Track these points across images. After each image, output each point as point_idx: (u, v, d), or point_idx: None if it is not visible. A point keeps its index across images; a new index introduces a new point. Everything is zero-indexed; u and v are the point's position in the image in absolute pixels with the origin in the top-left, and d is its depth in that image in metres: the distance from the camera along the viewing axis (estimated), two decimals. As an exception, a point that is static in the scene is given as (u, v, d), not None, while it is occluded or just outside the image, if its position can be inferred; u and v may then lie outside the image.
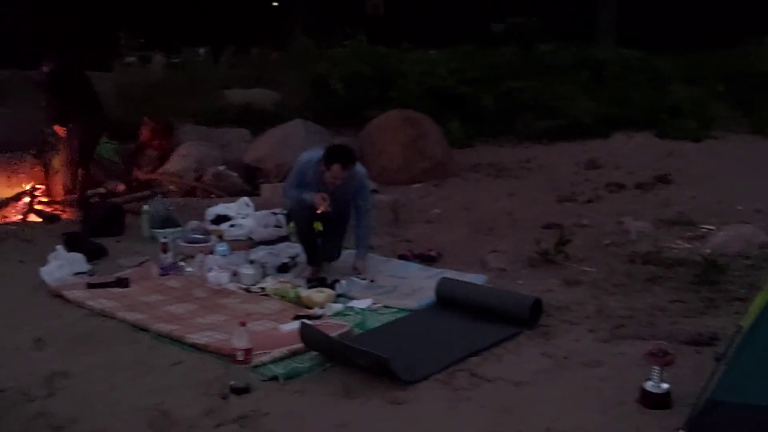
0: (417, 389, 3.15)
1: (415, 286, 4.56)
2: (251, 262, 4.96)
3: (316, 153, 4.83)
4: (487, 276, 4.73)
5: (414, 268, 4.95)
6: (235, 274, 4.78)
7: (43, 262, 4.90)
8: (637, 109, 10.13)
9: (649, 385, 2.97)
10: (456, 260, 5.17)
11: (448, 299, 4.14)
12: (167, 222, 5.94)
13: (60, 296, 4.41)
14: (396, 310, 4.17)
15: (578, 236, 5.53)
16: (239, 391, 3.14)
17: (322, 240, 4.89)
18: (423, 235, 5.89)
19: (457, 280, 4.37)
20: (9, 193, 7.25)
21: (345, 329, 3.75)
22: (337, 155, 4.65)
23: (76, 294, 4.40)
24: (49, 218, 6.67)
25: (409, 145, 8.51)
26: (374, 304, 4.26)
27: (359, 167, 4.90)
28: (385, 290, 4.50)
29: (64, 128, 6.94)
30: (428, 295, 4.27)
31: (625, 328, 3.83)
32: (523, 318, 3.79)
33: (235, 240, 5.68)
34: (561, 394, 3.11)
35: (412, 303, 4.21)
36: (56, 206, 7.01)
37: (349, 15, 15.24)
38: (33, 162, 7.55)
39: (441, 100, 10.13)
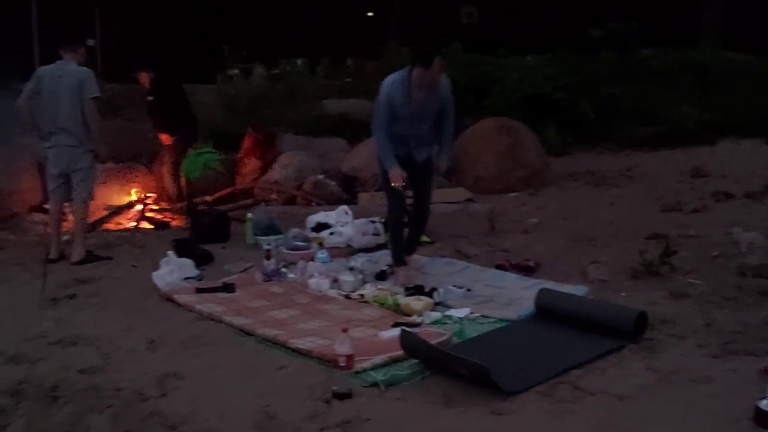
0: (518, 400, 3.11)
1: (513, 296, 4.52)
2: (351, 269, 5.05)
3: (397, 73, 4.92)
4: (589, 287, 4.63)
5: (512, 278, 4.90)
6: (335, 280, 4.88)
7: (155, 267, 5.15)
8: (744, 115, 9.70)
9: (764, 404, 2.83)
10: (555, 271, 5.09)
11: (549, 310, 4.08)
12: (270, 229, 6.13)
13: (171, 300, 4.60)
14: (494, 320, 4.15)
15: (684, 247, 5.34)
16: (342, 396, 3.19)
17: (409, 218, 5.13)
18: (520, 245, 5.84)
19: (558, 291, 4.30)
20: (123, 201, 7.69)
21: (444, 338, 3.75)
22: (434, 47, 4.85)
23: (186, 298, 4.58)
24: (159, 225, 7.02)
25: (505, 154, 8.46)
26: (472, 313, 4.25)
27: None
28: (483, 300, 4.49)
29: (169, 136, 7.32)
30: (527, 306, 4.22)
31: (737, 343, 3.66)
32: (627, 331, 3.69)
33: (334, 247, 5.81)
34: (668, 411, 3.01)
35: (511, 313, 4.18)
36: (166, 214, 7.38)
37: (443, 23, 15.30)
38: (145, 171, 7.97)
39: (537, 107, 10.01)
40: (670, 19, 14.18)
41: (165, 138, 7.61)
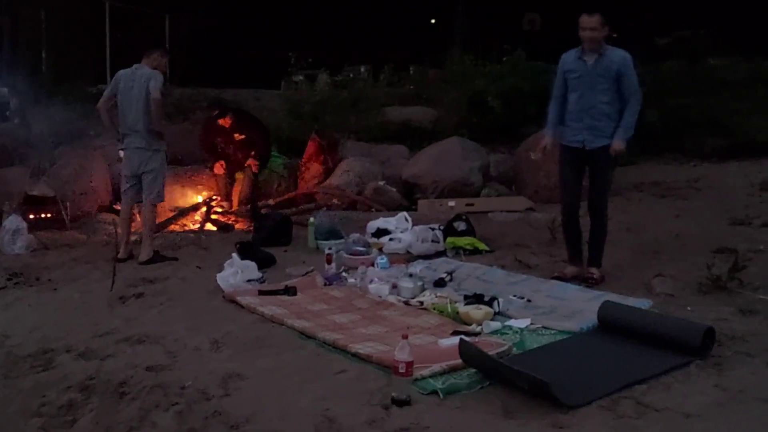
0: (579, 414, 3.06)
1: (575, 308, 4.44)
2: (410, 275, 5.06)
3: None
4: (653, 301, 4.51)
5: (573, 290, 4.81)
6: (394, 286, 4.88)
7: (219, 268, 5.27)
8: (819, 127, 9.32)
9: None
10: (618, 283, 4.99)
11: (612, 323, 4.00)
12: (331, 234, 6.20)
13: (234, 301, 4.69)
14: (555, 331, 4.08)
15: (754, 262, 5.14)
16: (401, 403, 3.18)
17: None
18: (582, 256, 5.74)
19: (622, 304, 4.20)
20: (188, 203, 7.89)
21: (503, 348, 3.72)
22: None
23: (249, 300, 4.66)
24: (223, 227, 7.18)
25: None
26: (532, 324, 4.19)
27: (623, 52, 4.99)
28: (544, 311, 4.43)
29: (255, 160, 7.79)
30: (589, 318, 4.14)
31: (809, 363, 3.53)
32: (694, 347, 3.59)
33: (393, 253, 5.83)
34: (736, 430, 2.92)
35: (573, 325, 4.11)
36: (230, 216, 7.55)
37: (506, 31, 15.19)
38: (209, 174, 8.17)
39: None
40: (742, 27, 13.73)
41: (253, 164, 7.90)
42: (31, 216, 6.95)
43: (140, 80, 5.85)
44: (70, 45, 13.70)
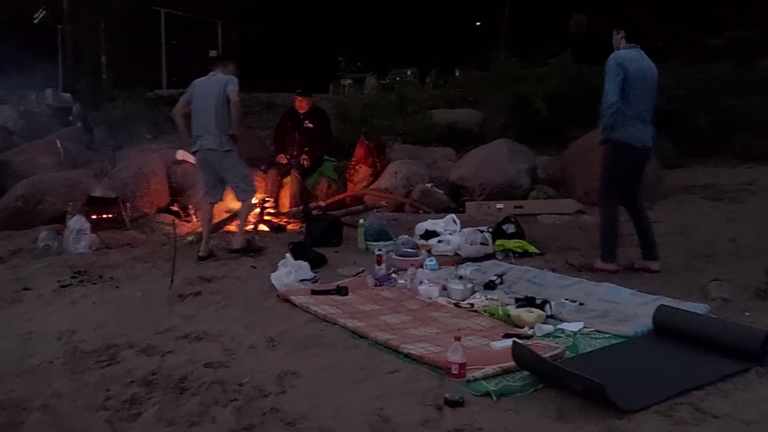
0: (636, 419, 3.03)
1: (629, 312, 4.41)
2: (460, 277, 5.07)
3: None
4: (710, 306, 4.46)
5: (627, 294, 4.77)
6: (444, 288, 4.91)
7: (273, 268, 5.37)
8: None
9: None
10: (672, 287, 4.93)
11: (667, 328, 3.96)
12: (381, 235, 6.26)
13: (287, 300, 4.77)
14: (609, 335, 4.06)
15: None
16: (454, 404, 3.19)
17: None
18: (634, 259, 5.68)
19: (678, 309, 4.15)
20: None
21: (556, 351, 3.72)
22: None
23: (302, 299, 4.74)
24: (276, 228, 7.30)
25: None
26: (585, 327, 4.17)
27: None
28: (597, 314, 4.40)
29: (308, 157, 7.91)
30: (644, 323, 4.11)
31: None
32: (754, 353, 3.53)
33: (442, 255, 5.86)
34: (798, 440, 2.88)
35: (627, 329, 4.07)
36: (283, 217, 7.67)
37: (552, 33, 15.05)
38: (263, 176, 8.31)
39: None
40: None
41: (305, 159, 8.04)
42: (94, 216, 7.16)
43: (216, 85, 6.13)
44: (128, 51, 14.07)
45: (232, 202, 7.29)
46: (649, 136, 5.38)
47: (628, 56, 5.22)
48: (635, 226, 5.51)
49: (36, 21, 21.99)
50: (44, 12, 21.32)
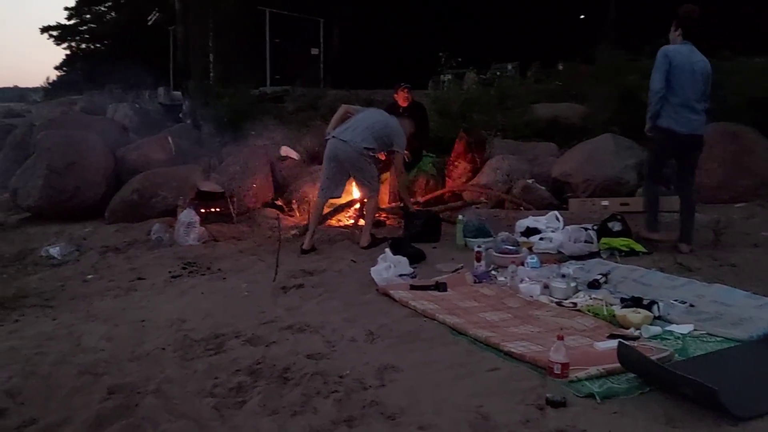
0: (750, 427, 2.88)
1: (743, 315, 4.18)
2: (563, 276, 4.97)
3: None
4: (835, 311, 4.18)
5: (741, 296, 4.53)
6: (546, 286, 4.81)
7: (373, 262, 5.43)
8: None
9: None
10: (793, 290, 4.66)
11: (787, 333, 3.75)
12: (480, 232, 6.21)
13: (387, 295, 4.81)
14: (721, 339, 3.87)
15: None
16: (556, 404, 3.14)
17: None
18: (750, 261, 5.40)
19: (798, 313, 3.93)
20: (341, 200, 8.14)
21: (664, 354, 3.57)
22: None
23: (401, 294, 4.76)
24: (375, 224, 7.35)
25: (730, 161, 7.87)
26: (696, 330, 4.00)
27: None
28: (708, 317, 4.20)
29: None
30: (760, 327, 3.89)
31: None
32: None
33: (544, 253, 5.75)
34: None
35: (742, 333, 3.87)
36: (382, 213, 7.72)
37: (660, 24, 14.42)
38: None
39: (766, 111, 9.14)
40: None
41: (406, 154, 8.08)
42: (202, 210, 7.48)
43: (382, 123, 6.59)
44: (234, 50, 14.57)
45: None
46: (698, 125, 5.65)
47: (676, 49, 5.62)
48: (680, 210, 5.89)
49: (150, 23, 23.18)
50: (157, 14, 22.45)
